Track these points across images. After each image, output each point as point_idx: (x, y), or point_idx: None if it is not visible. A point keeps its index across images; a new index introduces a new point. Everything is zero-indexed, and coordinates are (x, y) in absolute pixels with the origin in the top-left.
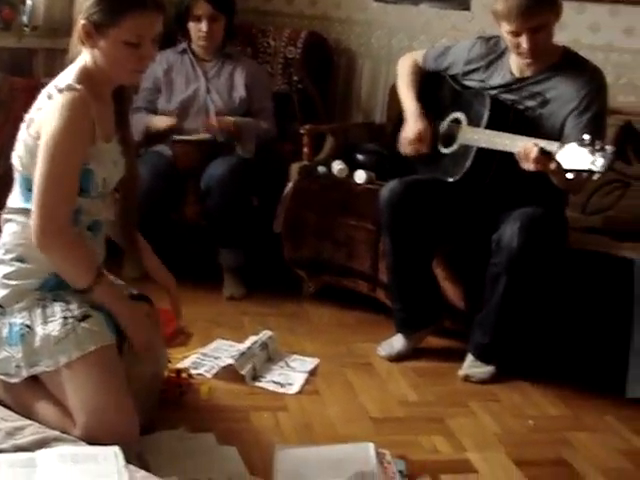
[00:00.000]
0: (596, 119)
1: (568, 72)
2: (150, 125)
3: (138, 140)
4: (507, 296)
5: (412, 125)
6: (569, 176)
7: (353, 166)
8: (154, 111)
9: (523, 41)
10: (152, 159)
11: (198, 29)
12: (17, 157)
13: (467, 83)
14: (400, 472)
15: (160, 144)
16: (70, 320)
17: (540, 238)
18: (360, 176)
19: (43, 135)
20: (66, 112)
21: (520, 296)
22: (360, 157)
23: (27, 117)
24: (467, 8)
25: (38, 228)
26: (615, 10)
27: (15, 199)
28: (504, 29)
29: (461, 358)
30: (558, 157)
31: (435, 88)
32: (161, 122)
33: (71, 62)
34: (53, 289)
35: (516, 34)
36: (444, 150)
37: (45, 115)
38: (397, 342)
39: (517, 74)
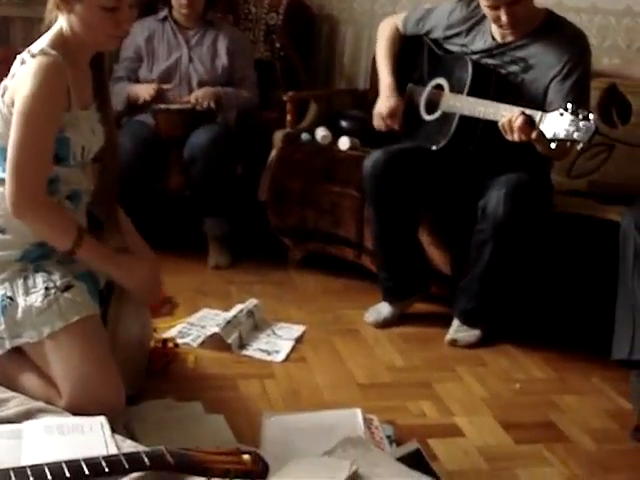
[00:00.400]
0: (579, 84)
1: (550, 37)
2: (132, 94)
3: (120, 110)
4: (493, 262)
5: (385, 100)
6: (552, 145)
7: (337, 133)
8: (136, 80)
9: (502, 14)
10: (134, 128)
11: None
12: None
13: (449, 47)
14: (388, 437)
15: (142, 113)
16: (52, 291)
17: (526, 204)
18: (344, 142)
19: (16, 101)
20: (39, 77)
21: (506, 261)
22: (344, 124)
23: (1, 85)
24: None
25: (12, 195)
26: None
27: None
28: (482, 3)
29: (447, 323)
30: (542, 127)
31: (416, 52)
32: (143, 91)
33: (47, 29)
34: (35, 260)
35: (494, 7)
36: (427, 117)
37: (18, 81)
38: (384, 308)
39: (499, 39)
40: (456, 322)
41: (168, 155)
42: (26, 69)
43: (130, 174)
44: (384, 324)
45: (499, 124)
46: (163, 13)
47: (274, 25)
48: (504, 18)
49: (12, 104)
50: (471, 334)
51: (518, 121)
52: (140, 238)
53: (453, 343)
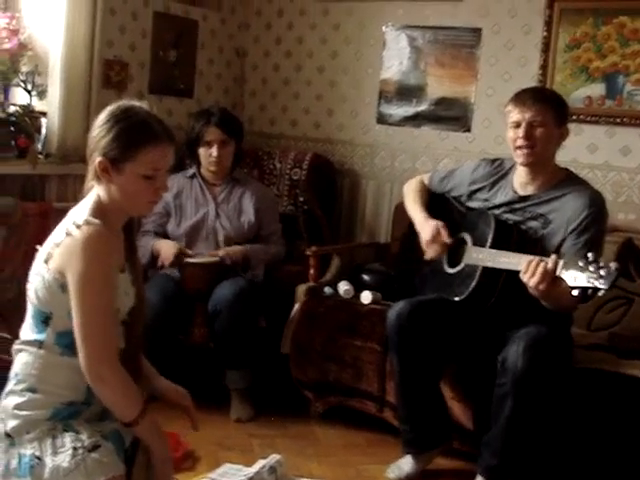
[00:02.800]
0: (594, 241)
1: (569, 194)
2: (155, 249)
3: (144, 263)
4: (514, 416)
5: (425, 228)
6: (574, 293)
7: (359, 286)
8: (164, 234)
9: (520, 131)
10: (160, 281)
11: (209, 154)
12: (33, 290)
13: (471, 204)
14: None
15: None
16: (80, 451)
17: (545, 358)
18: (366, 297)
19: (69, 274)
20: (90, 249)
21: (527, 416)
22: (366, 277)
23: (43, 250)
24: (468, 130)
25: (89, 367)
26: (611, 131)
27: (27, 330)
28: (509, 120)
29: (470, 479)
30: (563, 273)
31: (440, 209)
32: (164, 250)
33: (84, 197)
34: (64, 419)
35: (517, 124)
36: (450, 270)
37: (65, 252)
38: (406, 464)
39: (520, 192)
40: (479, 478)
41: (193, 308)
42: (74, 241)
43: (155, 327)
44: (406, 479)
45: (521, 269)
46: (192, 170)
47: (298, 180)
48: (520, 134)
49: (58, 272)
50: None
51: (541, 266)
52: (168, 381)
53: None
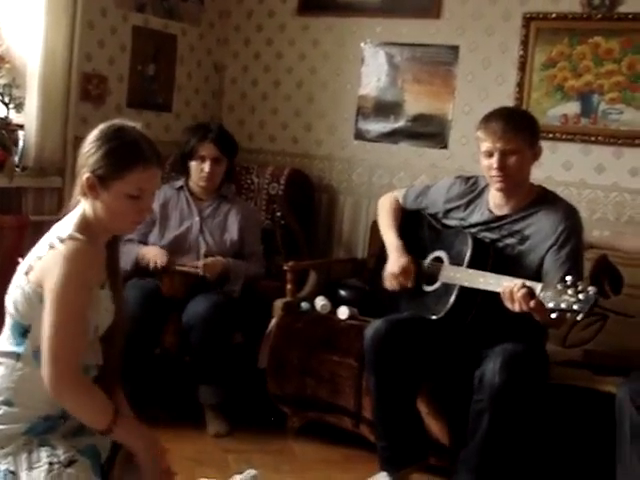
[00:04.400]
0: (574, 254)
1: (544, 210)
2: (140, 255)
3: (128, 269)
4: (491, 432)
5: (395, 260)
6: (552, 316)
7: (336, 302)
8: (145, 243)
9: (493, 162)
10: (139, 284)
11: (200, 169)
12: (12, 302)
13: (447, 222)
14: None
15: (149, 276)
16: (56, 466)
17: (522, 374)
18: (343, 312)
19: (47, 285)
20: (70, 262)
21: (504, 432)
22: (343, 293)
23: (25, 263)
24: (445, 146)
25: (51, 377)
26: (586, 149)
27: (4, 342)
28: (481, 150)
29: None
30: (542, 297)
31: (416, 226)
32: (152, 254)
33: (69, 211)
34: (40, 434)
35: (489, 154)
36: (427, 288)
37: (47, 265)
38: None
39: (496, 212)
40: None
41: (167, 316)
42: (56, 254)
43: (131, 325)
44: None
45: (501, 293)
46: (179, 182)
47: (275, 195)
48: (495, 164)
49: (38, 285)
50: None
51: (520, 292)
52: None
53: None
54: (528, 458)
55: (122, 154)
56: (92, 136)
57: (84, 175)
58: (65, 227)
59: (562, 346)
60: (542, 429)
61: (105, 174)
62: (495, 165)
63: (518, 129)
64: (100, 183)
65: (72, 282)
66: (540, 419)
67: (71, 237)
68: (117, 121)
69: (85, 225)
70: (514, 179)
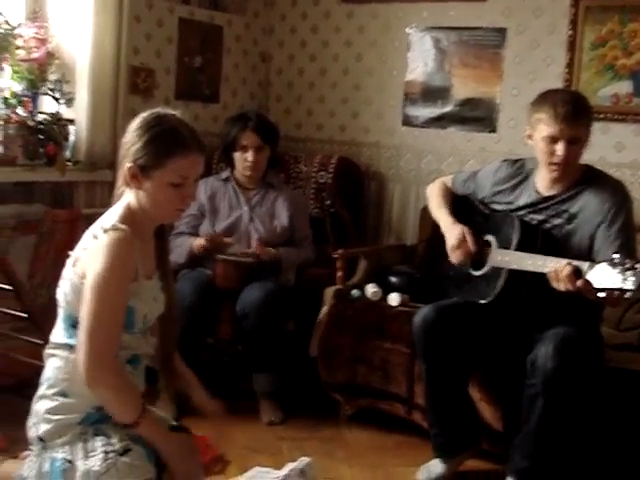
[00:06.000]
0: (625, 230)
1: (591, 187)
2: (194, 246)
3: (181, 262)
4: (545, 417)
5: (451, 232)
6: (600, 295)
7: (387, 289)
8: (196, 236)
9: (559, 149)
10: (193, 275)
11: (244, 159)
12: (62, 293)
13: (494, 206)
14: None
15: (202, 267)
16: (111, 454)
17: (575, 358)
18: (394, 299)
19: (88, 274)
20: (111, 252)
21: (558, 416)
22: (393, 279)
23: (73, 255)
24: (493, 130)
25: (87, 367)
26: (639, 129)
27: (58, 334)
28: (542, 134)
29: None
30: (589, 276)
31: (464, 212)
32: (204, 240)
33: (114, 203)
34: (94, 423)
35: (554, 140)
36: (475, 272)
37: (90, 255)
38: (435, 466)
39: (543, 193)
40: None
41: (221, 305)
42: (99, 244)
43: (185, 319)
44: None
45: (546, 272)
46: (226, 173)
47: (324, 183)
48: (560, 153)
49: (83, 276)
50: None
51: (565, 271)
52: (207, 395)
53: None
54: (583, 443)
55: (162, 143)
56: (132, 126)
57: (126, 165)
58: (109, 218)
59: (617, 329)
60: (597, 413)
61: (146, 163)
62: (561, 153)
63: (584, 117)
64: (142, 173)
65: (113, 272)
66: (595, 403)
67: (114, 227)
68: (156, 110)
69: (129, 215)
70: (571, 166)
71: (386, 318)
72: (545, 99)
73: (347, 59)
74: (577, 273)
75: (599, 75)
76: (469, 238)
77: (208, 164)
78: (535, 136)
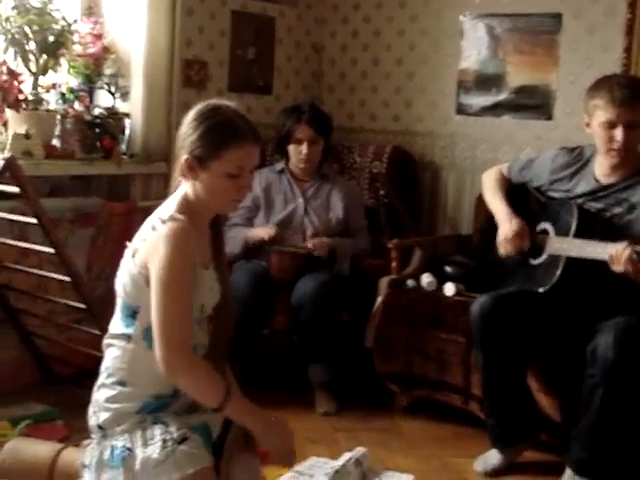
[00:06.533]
0: None
1: None
2: (250, 236)
3: (237, 253)
4: (605, 408)
5: (508, 224)
6: None
7: (442, 279)
8: (251, 228)
9: (618, 134)
10: (248, 266)
11: (299, 151)
12: (121, 284)
13: (552, 194)
14: None
15: (257, 258)
16: (169, 443)
17: (636, 348)
18: (449, 289)
19: (151, 266)
20: (171, 242)
21: (619, 407)
22: (449, 269)
23: (131, 246)
24: (549, 117)
25: (166, 358)
26: None
27: (116, 324)
28: (599, 120)
29: (559, 473)
30: None
31: (520, 200)
32: (262, 231)
33: (171, 194)
34: (152, 411)
35: (612, 125)
36: (533, 261)
37: (150, 246)
38: (493, 457)
39: (602, 181)
40: (568, 472)
41: (276, 296)
42: (158, 235)
43: (241, 310)
44: (494, 473)
45: (607, 257)
46: (280, 165)
47: (378, 173)
48: (619, 138)
49: (143, 267)
50: None
51: (626, 252)
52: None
53: None
54: None
55: (218, 133)
56: (188, 118)
57: (183, 157)
58: (167, 208)
59: None
60: None
61: (203, 154)
62: (620, 138)
63: None
64: (199, 164)
65: (175, 261)
66: None
67: (172, 218)
68: (212, 101)
69: (186, 206)
70: (631, 152)
71: (441, 308)
72: (601, 85)
73: (400, 48)
74: (638, 254)
75: None
76: (526, 235)
77: (262, 156)
78: (593, 123)
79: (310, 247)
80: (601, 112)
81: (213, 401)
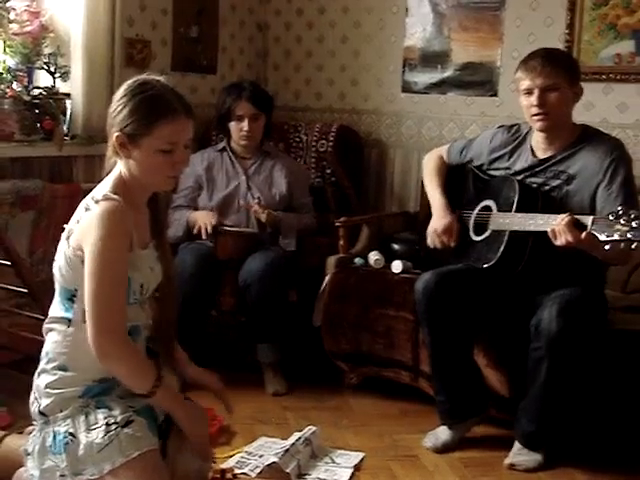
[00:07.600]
0: (625, 184)
1: (588, 146)
2: (191, 220)
3: (180, 235)
4: (550, 380)
5: (439, 218)
6: (606, 247)
7: (389, 256)
8: (195, 208)
9: (534, 99)
10: (193, 247)
11: (240, 128)
12: (57, 267)
13: (492, 173)
14: None
15: (202, 239)
16: (113, 426)
17: (579, 320)
18: (397, 266)
19: (85, 247)
20: (105, 222)
21: (563, 380)
22: (396, 247)
23: (67, 228)
24: (494, 94)
25: (97, 341)
26: None
27: (55, 308)
28: (521, 89)
29: (509, 446)
30: (593, 229)
31: (461, 180)
32: (201, 218)
33: (107, 174)
34: (96, 396)
35: (529, 92)
36: (476, 238)
37: (84, 227)
38: (442, 433)
39: (540, 155)
40: (517, 445)
41: (223, 276)
42: (91, 215)
43: (187, 290)
44: (443, 449)
45: (549, 228)
46: (222, 144)
47: (324, 152)
48: (534, 102)
49: (78, 248)
50: (532, 459)
51: (564, 222)
52: (198, 367)
53: (511, 467)
54: (589, 405)
55: (147, 109)
56: (117, 94)
57: (114, 134)
58: (101, 189)
59: (623, 292)
60: (603, 375)
61: (133, 131)
62: (535, 102)
63: (557, 65)
64: (130, 141)
65: (108, 242)
66: (601, 365)
67: (105, 197)
68: (141, 76)
69: (121, 185)
70: (555, 117)
71: (389, 285)
72: (523, 58)
73: (345, 26)
74: (580, 227)
75: (601, 35)
76: (454, 234)
77: (207, 135)
78: (520, 97)
79: (255, 208)
80: (521, 82)
81: (142, 387)
